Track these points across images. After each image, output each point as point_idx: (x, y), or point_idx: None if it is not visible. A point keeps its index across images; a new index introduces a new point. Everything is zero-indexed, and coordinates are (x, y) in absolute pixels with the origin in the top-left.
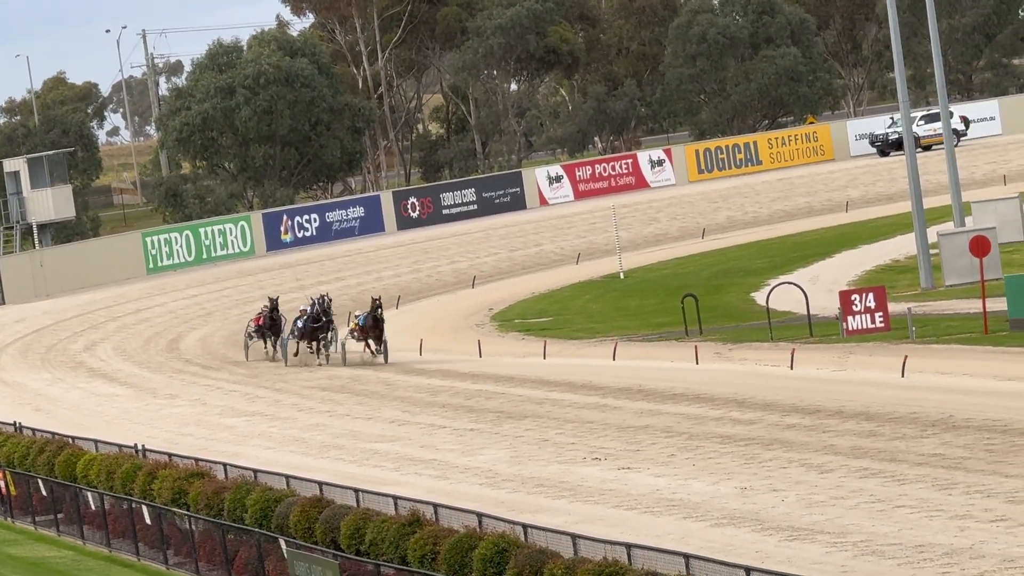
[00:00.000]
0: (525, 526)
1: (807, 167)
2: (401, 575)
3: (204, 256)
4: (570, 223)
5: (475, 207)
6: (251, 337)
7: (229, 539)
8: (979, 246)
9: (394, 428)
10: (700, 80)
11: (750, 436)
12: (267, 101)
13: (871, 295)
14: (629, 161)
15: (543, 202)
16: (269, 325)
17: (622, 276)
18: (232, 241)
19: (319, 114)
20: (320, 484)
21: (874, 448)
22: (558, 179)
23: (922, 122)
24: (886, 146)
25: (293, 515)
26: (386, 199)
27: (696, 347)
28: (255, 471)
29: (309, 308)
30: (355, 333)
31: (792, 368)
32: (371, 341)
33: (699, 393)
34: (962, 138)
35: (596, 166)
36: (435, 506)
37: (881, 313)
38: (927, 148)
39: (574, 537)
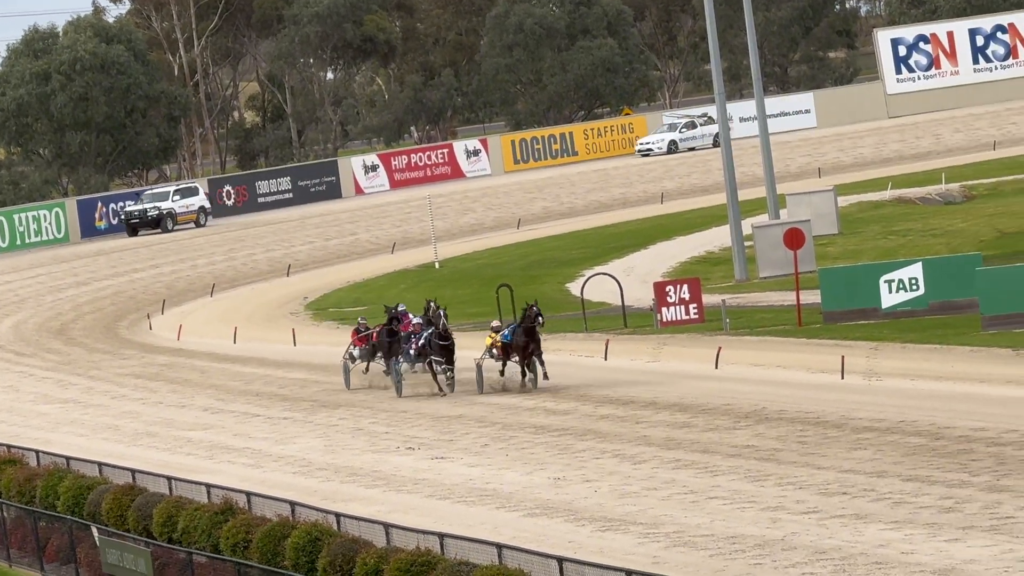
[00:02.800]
0: (338, 515)
1: (623, 158)
2: (213, 563)
3: (18, 243)
4: (386, 212)
5: (290, 195)
6: (352, 359)
7: (41, 527)
8: (793, 238)
9: (207, 416)
10: (517, 70)
11: (564, 427)
12: (83, 88)
13: (685, 287)
14: (445, 151)
15: (359, 191)
16: (387, 343)
17: (437, 266)
18: (46, 228)
19: (135, 101)
20: (133, 472)
21: (687, 439)
22: (374, 168)
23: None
24: (141, 224)
25: (105, 502)
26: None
27: None
28: (68, 458)
29: (419, 319)
30: (494, 352)
31: (606, 359)
32: (516, 362)
33: None
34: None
35: (412, 155)
36: (248, 494)
37: (695, 305)
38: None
39: (387, 526)
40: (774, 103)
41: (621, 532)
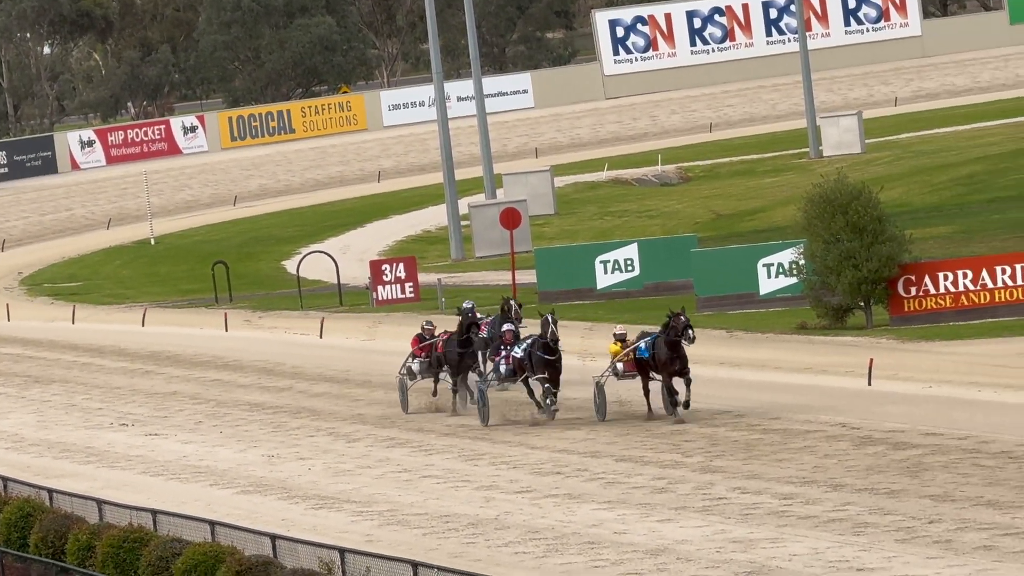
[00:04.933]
0: (50, 491)
1: (340, 136)
2: None
3: None
4: (102, 188)
5: (5, 170)
6: (412, 375)
7: None
8: (510, 218)
9: None
10: (234, 47)
11: (278, 404)
12: None
13: (401, 265)
14: (162, 127)
15: (75, 167)
16: (457, 355)
17: (153, 242)
18: None
19: None
20: None
21: (401, 418)
22: (90, 144)
23: None
24: None
25: None
26: None
27: (226, 314)
28: None
29: (507, 325)
30: (619, 367)
31: (322, 337)
32: (653, 381)
33: (228, 360)
34: None
35: (129, 131)
36: None
37: (411, 283)
38: None
39: (99, 502)
40: (492, 83)
41: (335, 510)
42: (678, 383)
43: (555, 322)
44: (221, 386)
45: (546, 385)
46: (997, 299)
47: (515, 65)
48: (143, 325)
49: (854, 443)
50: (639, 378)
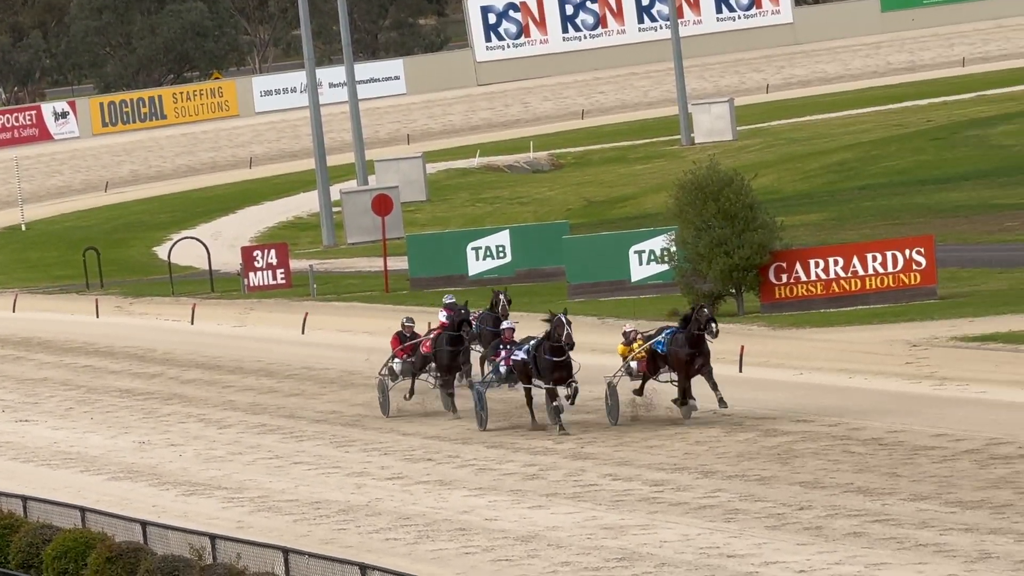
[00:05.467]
0: None
1: (212, 122)
2: None
3: None
4: None
5: None
6: (394, 376)
7: None
8: (381, 205)
9: None
10: (106, 33)
11: (149, 390)
12: None
13: (273, 251)
14: (33, 113)
15: None
16: (449, 354)
17: (24, 228)
18: None
19: None
20: None
21: (273, 404)
22: None
23: None
24: None
25: None
26: None
27: (97, 300)
28: None
29: (502, 321)
30: (632, 366)
31: (193, 323)
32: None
33: (99, 347)
34: None
35: None
36: None
37: (283, 270)
38: None
39: None
40: (364, 69)
41: (205, 496)
42: (698, 383)
43: (570, 323)
44: (92, 372)
45: (560, 398)
46: (868, 286)
47: (387, 51)
48: (14, 311)
49: (725, 430)
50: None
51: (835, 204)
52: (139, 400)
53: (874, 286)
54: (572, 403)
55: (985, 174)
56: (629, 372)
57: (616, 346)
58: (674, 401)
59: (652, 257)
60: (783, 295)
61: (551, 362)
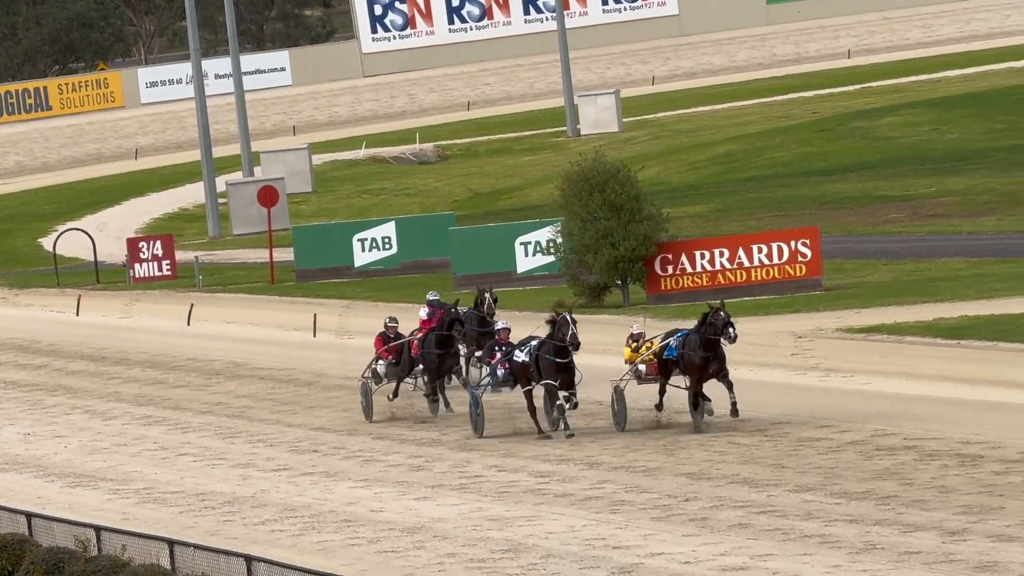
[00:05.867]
0: None
1: (98, 114)
2: None
3: None
4: None
5: None
6: (378, 379)
7: None
8: (267, 196)
9: None
10: None
11: (34, 382)
12: None
13: (159, 243)
14: None
15: None
16: (437, 357)
17: None
18: None
19: None
20: None
21: (158, 396)
22: None
23: None
24: None
25: None
26: None
27: None
28: None
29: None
30: (640, 370)
31: (78, 314)
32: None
33: None
34: None
35: None
36: None
37: (168, 261)
38: None
39: None
40: (250, 61)
41: (91, 488)
42: (713, 387)
43: (575, 322)
44: None
45: (561, 398)
46: (753, 278)
47: (273, 43)
48: None
49: (610, 422)
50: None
51: (721, 196)
52: (24, 391)
53: (759, 278)
54: (567, 424)
55: (870, 166)
56: (638, 376)
57: (622, 348)
58: (695, 407)
59: (538, 248)
60: (669, 287)
61: (554, 363)
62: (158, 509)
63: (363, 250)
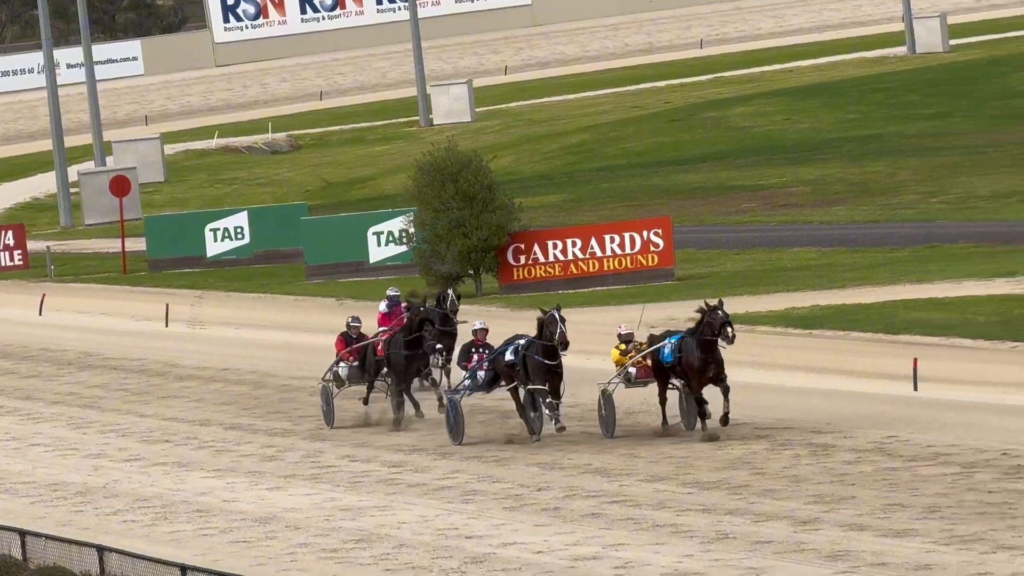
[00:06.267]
0: None
1: None
2: None
3: None
4: None
5: None
6: (340, 382)
7: None
8: (119, 186)
9: None
10: None
11: None
12: None
13: (10, 233)
14: None
15: None
16: (405, 359)
17: None
18: None
19: None
20: None
21: (9, 386)
22: None
23: None
24: None
25: None
26: None
27: None
28: None
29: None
30: (631, 373)
31: None
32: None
33: None
34: None
35: None
36: None
37: (20, 251)
38: None
39: None
40: (102, 50)
41: None
42: (709, 392)
43: (563, 320)
44: None
45: (547, 400)
46: (606, 268)
47: (125, 32)
48: None
49: (431, 408)
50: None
51: (573, 186)
52: None
53: (612, 267)
54: (558, 421)
55: (722, 155)
56: (627, 379)
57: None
58: (702, 416)
59: (391, 238)
60: (521, 276)
61: (543, 365)
62: (9, 500)
63: (215, 240)
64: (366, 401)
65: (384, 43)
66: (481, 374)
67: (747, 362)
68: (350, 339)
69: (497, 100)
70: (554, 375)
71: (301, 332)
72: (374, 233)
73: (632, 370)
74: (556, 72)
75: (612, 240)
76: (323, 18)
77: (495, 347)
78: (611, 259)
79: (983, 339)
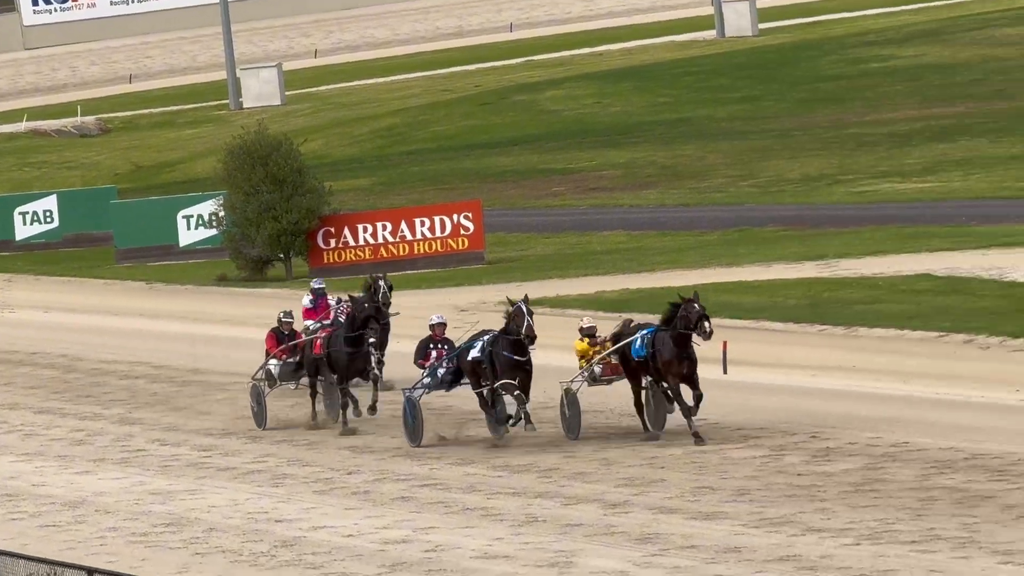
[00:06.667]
0: None
1: None
2: None
3: None
4: None
5: None
6: (272, 381)
7: None
8: None
9: None
10: None
11: None
12: None
13: None
14: None
15: None
16: (347, 356)
17: None
18: None
19: None
20: None
21: None
22: None
23: None
24: None
25: None
26: None
27: None
28: None
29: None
30: (596, 371)
31: None
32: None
33: None
34: None
35: None
36: None
37: None
38: None
39: None
40: None
41: None
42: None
43: (531, 312)
44: None
45: (516, 393)
46: (416, 251)
47: None
48: None
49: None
50: (614, 383)
51: (384, 169)
52: None
53: (422, 251)
54: (527, 417)
55: (533, 139)
56: (593, 377)
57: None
58: (686, 415)
59: (201, 222)
60: (332, 260)
61: (510, 360)
62: None
63: (24, 223)
64: (314, 416)
65: (194, 26)
66: (442, 371)
67: (556, 345)
68: (281, 335)
69: (307, 83)
70: (523, 371)
71: (111, 316)
72: (184, 216)
73: (597, 368)
74: (366, 55)
75: (422, 224)
76: (133, 1)
77: (454, 343)
78: (421, 242)
79: (792, 322)
